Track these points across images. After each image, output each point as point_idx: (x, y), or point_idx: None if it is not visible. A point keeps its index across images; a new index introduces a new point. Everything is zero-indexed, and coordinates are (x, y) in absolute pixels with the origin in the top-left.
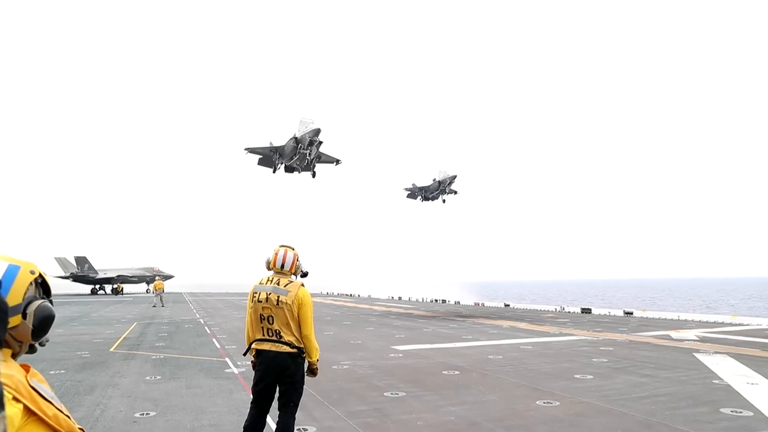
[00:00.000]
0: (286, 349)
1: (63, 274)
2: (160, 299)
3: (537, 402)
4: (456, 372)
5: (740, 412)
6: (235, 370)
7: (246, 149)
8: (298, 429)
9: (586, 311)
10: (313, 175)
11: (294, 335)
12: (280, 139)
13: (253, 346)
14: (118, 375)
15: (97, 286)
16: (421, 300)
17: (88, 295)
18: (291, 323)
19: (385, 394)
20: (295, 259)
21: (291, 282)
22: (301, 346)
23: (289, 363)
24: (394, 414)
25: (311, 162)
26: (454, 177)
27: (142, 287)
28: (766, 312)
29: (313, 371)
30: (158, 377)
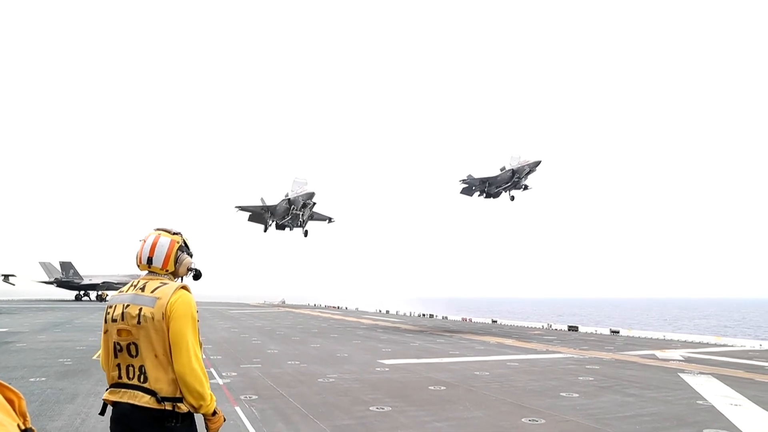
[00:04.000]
0: (147, 401)
1: (47, 279)
2: None
3: (522, 419)
4: (442, 387)
5: None
6: (220, 381)
7: (237, 207)
8: None
9: (573, 329)
10: (305, 234)
11: (170, 375)
12: (272, 194)
13: (105, 397)
14: (100, 383)
15: (82, 293)
16: (408, 314)
17: (72, 301)
18: (164, 354)
19: (370, 408)
20: (173, 248)
21: (165, 285)
22: (178, 395)
23: (148, 428)
24: (379, 429)
25: (304, 222)
26: (537, 163)
27: None
28: (750, 333)
29: (207, 427)
30: None
